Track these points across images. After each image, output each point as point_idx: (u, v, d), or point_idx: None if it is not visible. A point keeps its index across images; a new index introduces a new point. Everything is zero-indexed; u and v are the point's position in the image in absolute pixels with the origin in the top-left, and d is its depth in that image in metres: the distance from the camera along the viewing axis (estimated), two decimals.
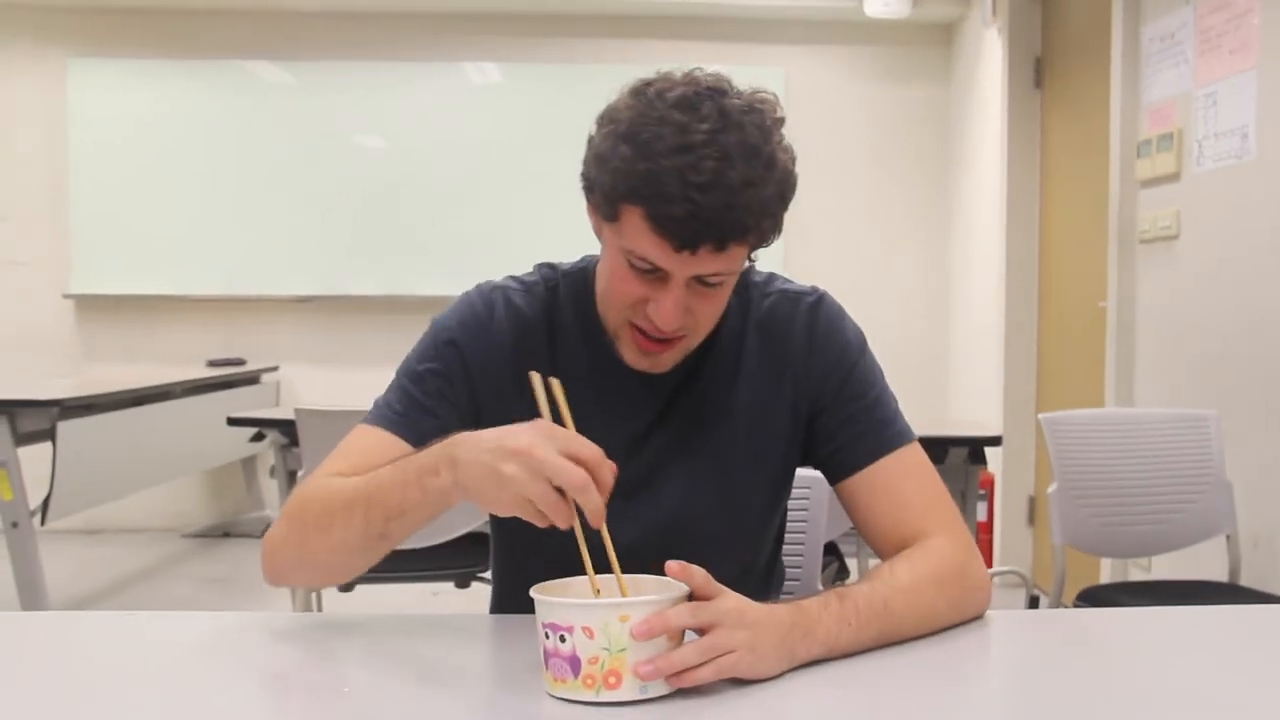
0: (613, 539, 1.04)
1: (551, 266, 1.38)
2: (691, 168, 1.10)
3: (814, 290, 1.37)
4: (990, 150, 4.94)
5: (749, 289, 1.35)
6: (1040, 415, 2.74)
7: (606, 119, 1.18)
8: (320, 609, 3.11)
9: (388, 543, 1.16)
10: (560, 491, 1.00)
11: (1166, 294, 3.47)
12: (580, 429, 1.06)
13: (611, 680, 0.97)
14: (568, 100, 5.67)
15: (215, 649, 1.18)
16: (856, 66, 5.75)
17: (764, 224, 1.16)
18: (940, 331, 5.64)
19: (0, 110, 5.75)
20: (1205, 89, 3.23)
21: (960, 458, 3.10)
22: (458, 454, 1.06)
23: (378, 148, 5.77)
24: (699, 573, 1.02)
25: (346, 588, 2.99)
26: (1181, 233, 3.37)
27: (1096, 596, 2.65)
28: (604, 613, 0.97)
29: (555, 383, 1.10)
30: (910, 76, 5.73)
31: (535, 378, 1.09)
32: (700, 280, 1.18)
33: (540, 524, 1.01)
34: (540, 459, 1.00)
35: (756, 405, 1.32)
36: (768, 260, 1.24)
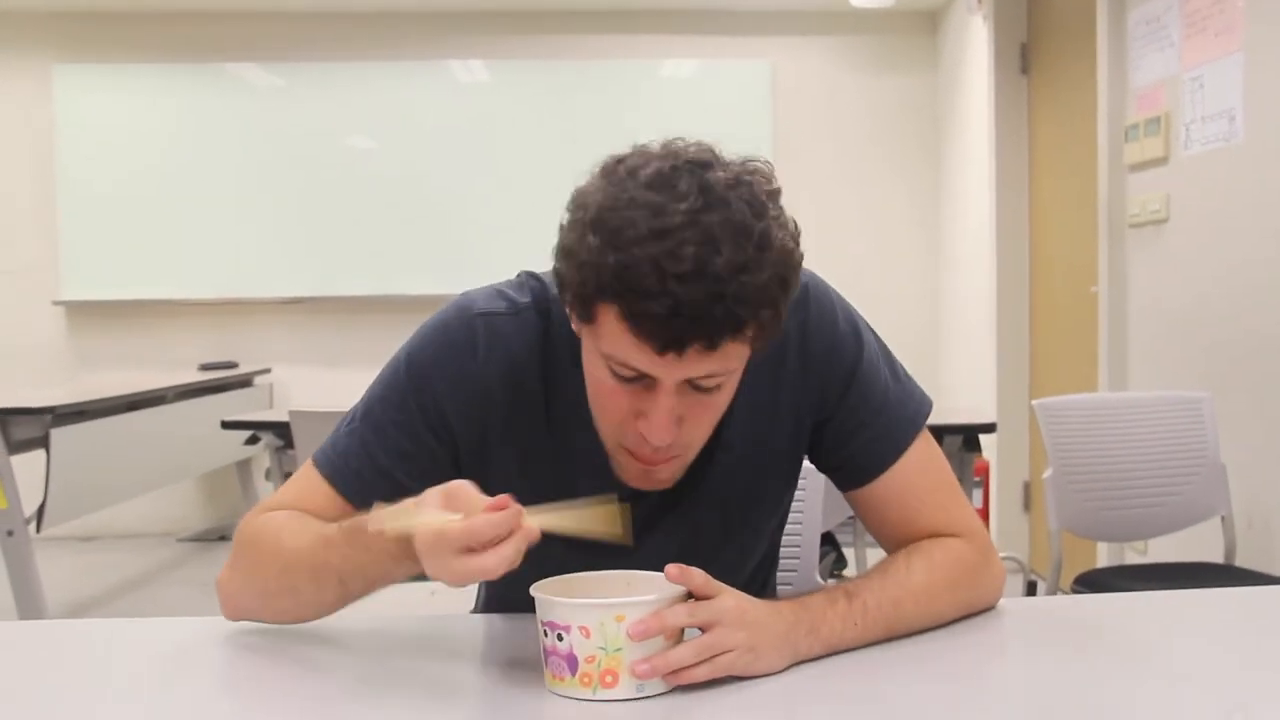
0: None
1: (540, 280, 1.22)
2: (670, 255, 0.95)
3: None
4: (978, 137, 4.94)
5: None
6: (1034, 401, 2.74)
7: (575, 204, 1.04)
8: None
9: (360, 597, 1.13)
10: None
11: (1157, 278, 3.48)
12: (571, 481, 1.04)
13: (608, 679, 0.97)
14: (555, 96, 5.68)
15: (213, 654, 1.18)
16: (843, 56, 5.75)
17: (762, 314, 1.00)
18: (932, 320, 5.65)
19: None
20: (1192, 72, 3.24)
21: (955, 445, 3.10)
22: (413, 555, 1.00)
23: (366, 148, 5.75)
24: (698, 574, 1.01)
25: None
26: (1171, 216, 3.37)
27: (1093, 581, 2.65)
28: (601, 612, 0.97)
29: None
30: (897, 65, 5.73)
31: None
32: (694, 385, 1.04)
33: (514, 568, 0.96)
34: (436, 568, 0.96)
35: (755, 426, 1.21)
36: None
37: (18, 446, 3.79)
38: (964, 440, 3.13)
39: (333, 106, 5.71)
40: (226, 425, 3.53)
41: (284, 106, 5.73)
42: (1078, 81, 4.05)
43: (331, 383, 5.57)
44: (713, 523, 1.24)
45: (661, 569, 1.02)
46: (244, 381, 5.61)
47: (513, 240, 5.59)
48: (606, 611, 0.97)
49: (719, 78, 5.67)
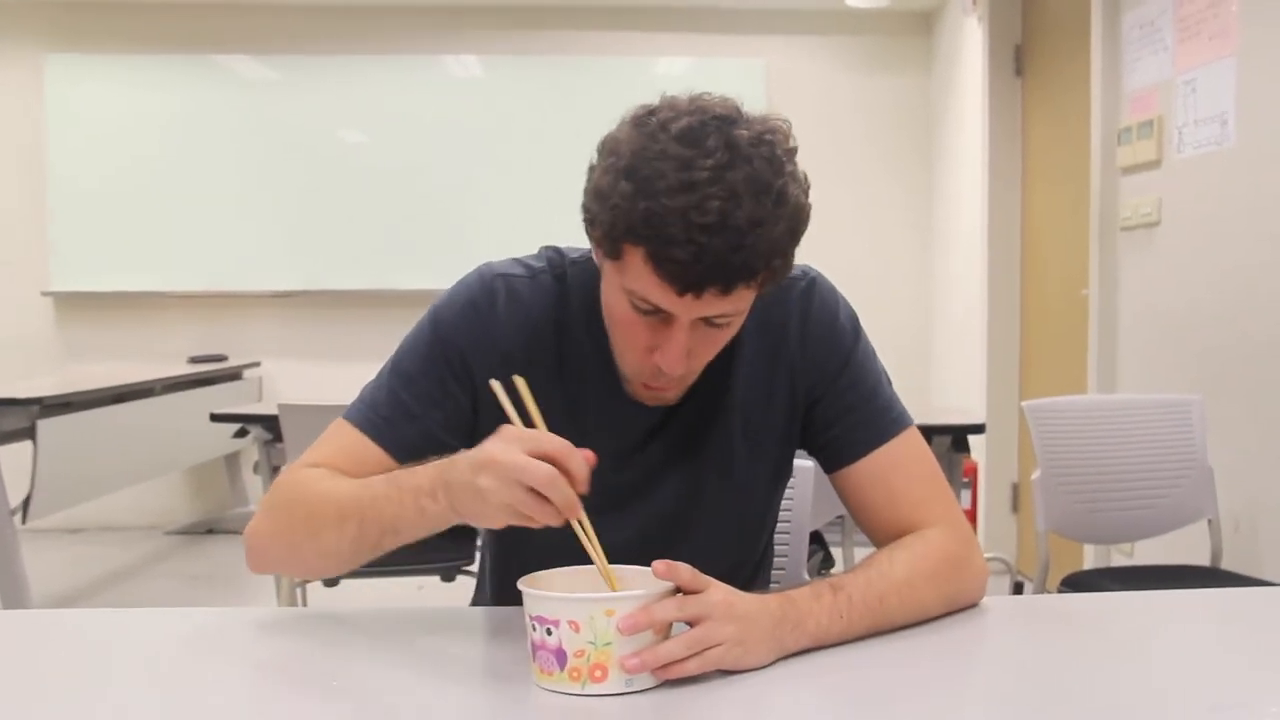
0: (609, 538, 1.04)
1: (559, 251, 1.31)
2: (696, 208, 1.03)
3: (805, 273, 1.30)
4: (972, 139, 4.95)
5: None
6: (1023, 403, 2.75)
7: (607, 150, 1.11)
8: (305, 604, 3.10)
9: (379, 552, 1.16)
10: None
11: (1148, 281, 3.48)
12: (582, 434, 1.05)
13: (597, 673, 0.97)
14: (548, 92, 5.67)
15: (200, 645, 1.17)
16: (837, 56, 5.76)
17: (774, 263, 1.09)
18: (923, 320, 5.66)
19: None
20: (1185, 76, 3.24)
21: (944, 446, 3.11)
22: (450, 477, 1.05)
23: (359, 142, 5.74)
24: (685, 569, 1.01)
25: (331, 582, 2.98)
26: (1163, 219, 3.38)
27: (1080, 582, 2.66)
28: (590, 607, 0.97)
29: (520, 383, 1.07)
30: (891, 66, 5.74)
31: (496, 386, 1.07)
32: (706, 321, 1.13)
33: (533, 525, 1.00)
34: (507, 464, 0.98)
35: (753, 398, 1.28)
36: None
37: (4, 437, 3.78)
38: (953, 441, 3.13)
39: (326, 100, 5.70)
40: (215, 418, 3.52)
41: (277, 99, 5.72)
42: (1071, 84, 4.06)
43: (321, 377, 5.56)
44: (713, 485, 1.28)
45: (662, 533, 1.07)
46: (233, 375, 5.59)
47: (505, 235, 5.55)
48: (596, 606, 0.97)
49: (713, 76, 5.60)
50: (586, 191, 1.13)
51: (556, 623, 0.97)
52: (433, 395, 1.23)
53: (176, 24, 5.68)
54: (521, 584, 1.01)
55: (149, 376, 4.71)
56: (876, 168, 5.73)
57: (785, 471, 1.37)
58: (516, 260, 1.29)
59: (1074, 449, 2.69)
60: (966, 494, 4.61)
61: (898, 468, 1.26)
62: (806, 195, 1.12)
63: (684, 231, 1.03)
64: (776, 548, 1.57)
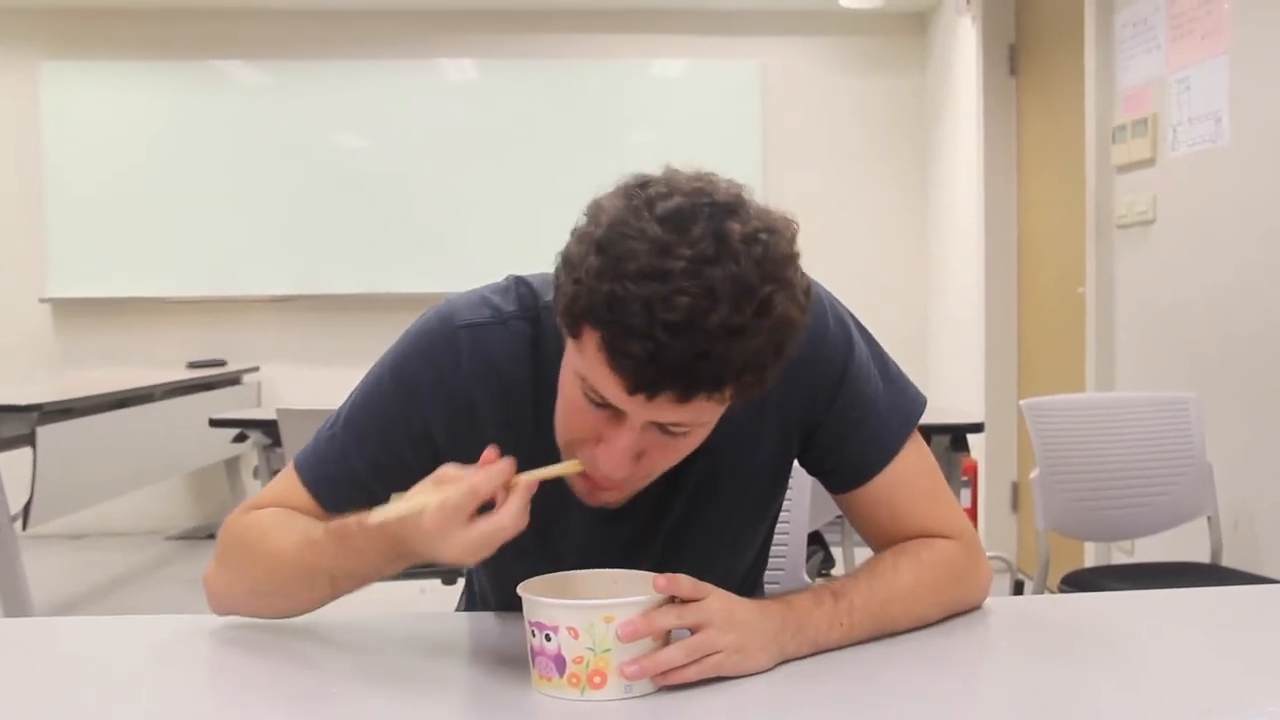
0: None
1: (531, 289, 1.18)
2: (663, 300, 0.91)
3: None
4: (967, 138, 4.95)
5: None
6: (1021, 401, 2.75)
7: (590, 216, 1.00)
8: None
9: (352, 592, 1.14)
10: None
11: (1144, 279, 3.49)
12: (565, 494, 1.06)
13: (596, 680, 0.97)
14: (545, 96, 5.67)
15: (201, 652, 1.18)
16: (832, 57, 5.76)
17: (745, 378, 0.96)
18: (921, 320, 5.66)
19: None
20: (1178, 74, 3.25)
21: (942, 445, 3.11)
22: (404, 552, 1.04)
23: (355, 147, 5.74)
24: (684, 580, 1.00)
25: None
26: (1158, 217, 3.39)
27: (1080, 581, 2.66)
28: (589, 613, 0.97)
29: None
30: (886, 66, 5.74)
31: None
32: (660, 427, 1.01)
33: (508, 539, 0.99)
34: (441, 535, 0.98)
35: (741, 429, 1.16)
36: None
37: (4, 444, 3.78)
38: (952, 440, 3.14)
39: (321, 104, 5.70)
40: (214, 423, 3.52)
41: (272, 104, 5.72)
42: (1065, 83, 4.07)
43: (319, 381, 5.55)
44: (697, 535, 1.22)
45: (653, 568, 1.01)
46: (232, 379, 5.59)
47: (501, 239, 5.60)
48: (595, 612, 0.97)
49: (709, 78, 5.67)
50: (559, 256, 1.01)
51: (556, 629, 0.97)
52: (380, 461, 1.16)
53: (171, 30, 5.68)
54: (521, 589, 1.01)
55: (148, 382, 4.71)
56: (872, 168, 5.74)
57: (780, 492, 1.30)
58: (484, 300, 1.17)
59: (1072, 447, 2.70)
60: (966, 493, 4.61)
61: (902, 485, 1.21)
62: (803, 311, 0.99)
63: (645, 324, 0.92)
64: (775, 548, 1.56)
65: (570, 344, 1.03)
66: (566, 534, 1.15)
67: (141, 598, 4.56)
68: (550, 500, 1.04)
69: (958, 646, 1.16)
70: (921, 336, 5.63)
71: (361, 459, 1.16)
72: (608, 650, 0.96)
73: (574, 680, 0.97)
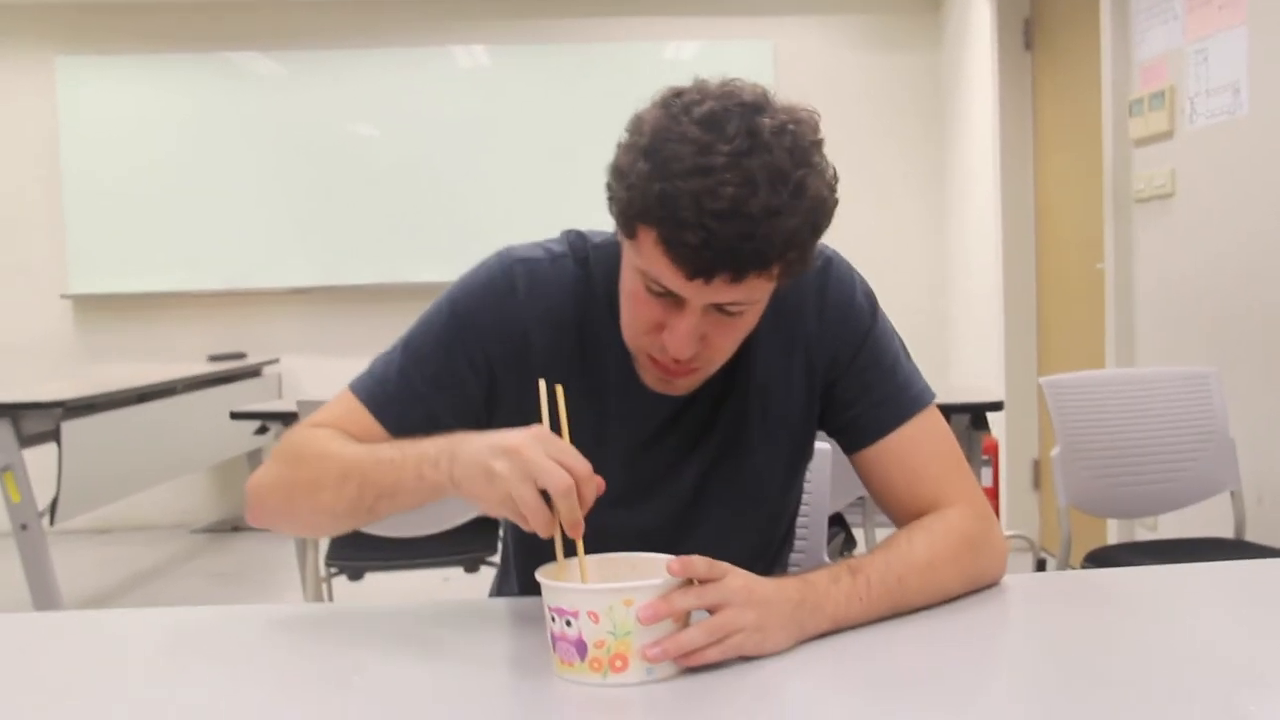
0: (627, 525, 1.05)
1: (581, 235, 1.29)
2: (709, 192, 1.02)
3: (820, 252, 1.27)
4: (983, 115, 4.92)
5: None
6: (1041, 379, 2.74)
7: (633, 128, 1.11)
8: (331, 598, 3.13)
9: (373, 516, 1.16)
10: (546, 499, 0.99)
11: (1164, 252, 3.47)
12: (601, 422, 1.06)
13: (618, 663, 0.97)
14: (558, 80, 5.67)
15: (228, 641, 1.19)
16: (846, 35, 5.73)
17: (789, 255, 1.07)
18: (939, 298, 5.64)
19: None
20: (1196, 45, 3.22)
21: (962, 424, 3.10)
22: (457, 450, 1.06)
23: (370, 135, 5.75)
24: (700, 562, 1.01)
25: (356, 576, 3.00)
26: (1177, 190, 3.36)
27: (1104, 558, 2.66)
28: (609, 597, 0.97)
29: (560, 391, 1.07)
30: (900, 43, 5.71)
31: (541, 385, 1.07)
32: (719, 308, 1.11)
33: (523, 526, 1.01)
34: (528, 459, 0.99)
35: (771, 382, 1.27)
36: None
37: (29, 441, 3.81)
38: (971, 419, 3.12)
39: (335, 94, 5.71)
40: (236, 416, 3.53)
41: (287, 95, 5.73)
42: (1082, 56, 4.04)
43: (339, 371, 5.48)
44: (725, 487, 1.27)
45: (681, 520, 1.08)
46: (252, 372, 5.62)
47: (519, 224, 5.54)
48: (615, 596, 0.97)
49: (722, 59, 5.61)
50: (609, 168, 1.12)
51: (576, 614, 0.97)
52: (441, 379, 1.22)
53: (184, 23, 5.70)
54: (539, 575, 1.01)
55: (170, 376, 4.74)
56: (887, 146, 5.71)
57: (806, 453, 1.36)
58: (537, 244, 1.28)
59: (1093, 424, 2.69)
60: (987, 472, 4.60)
61: (917, 447, 1.26)
62: (832, 190, 1.09)
63: (696, 216, 1.02)
64: (797, 530, 1.57)
65: (627, 245, 1.13)
66: (608, 466, 1.12)
67: (169, 590, 4.60)
68: (585, 442, 1.05)
69: (981, 622, 1.16)
70: (940, 314, 5.61)
71: (420, 375, 1.22)
72: (629, 634, 0.97)
73: (596, 664, 0.97)
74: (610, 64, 5.62)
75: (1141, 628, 1.14)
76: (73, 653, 1.19)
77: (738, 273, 1.05)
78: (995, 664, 1.09)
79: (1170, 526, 3.23)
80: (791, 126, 1.07)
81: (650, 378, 1.21)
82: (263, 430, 3.54)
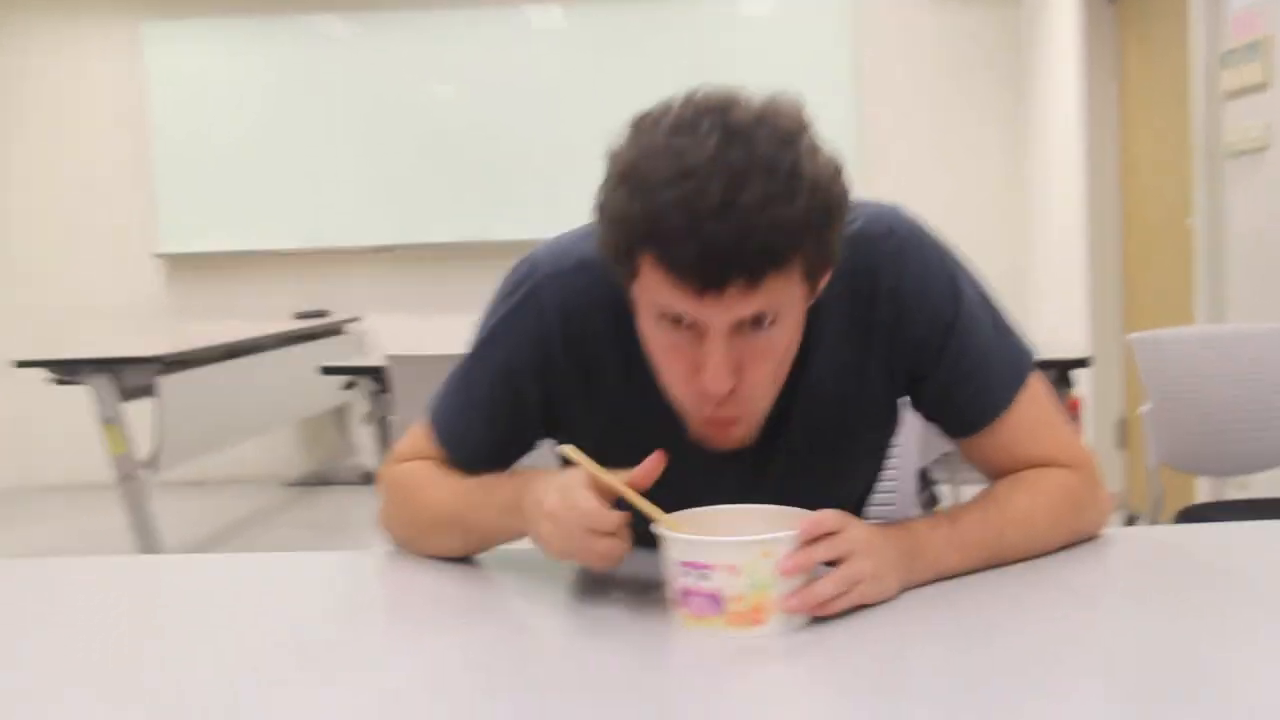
0: None
1: None
2: (697, 194, 0.94)
3: (891, 230, 1.16)
4: (1066, 68, 4.82)
5: None
6: (1129, 335, 2.71)
7: (609, 162, 1.03)
8: None
9: (487, 548, 1.24)
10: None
11: (1257, 207, 3.39)
12: (662, 432, 1.09)
13: (757, 616, 0.97)
14: (632, 39, 5.66)
15: (326, 583, 1.24)
16: None
17: (805, 244, 0.98)
18: (1021, 253, 5.56)
19: (79, 79, 5.89)
20: None
21: (1047, 381, 3.07)
22: (524, 504, 1.10)
23: (447, 95, 5.80)
24: (830, 517, 1.01)
25: None
26: (1272, 143, 3.28)
27: (1197, 515, 2.62)
28: (749, 550, 0.96)
29: (577, 453, 1.06)
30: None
31: (568, 450, 1.07)
32: (746, 326, 1.01)
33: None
34: (565, 520, 1.03)
35: (846, 373, 1.18)
36: None
37: (129, 394, 3.94)
38: (1056, 376, 3.10)
39: (412, 55, 5.77)
40: (327, 370, 3.61)
41: (365, 57, 5.80)
42: (1169, 7, 3.93)
43: (420, 329, 5.67)
44: (807, 479, 1.21)
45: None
46: (335, 330, 5.73)
47: (594, 181, 5.61)
48: (754, 549, 0.96)
49: (798, 14, 5.58)
50: (593, 212, 1.05)
51: (713, 567, 0.96)
52: (497, 422, 1.23)
53: None
54: (660, 529, 1.00)
55: (258, 333, 4.85)
56: (967, 102, 5.62)
57: (889, 432, 1.31)
58: (568, 248, 1.19)
59: (1184, 381, 2.65)
60: None
61: (1021, 429, 1.20)
62: (837, 171, 1.01)
63: (688, 223, 0.94)
64: (885, 483, 1.56)
65: (635, 289, 1.05)
66: (673, 483, 1.08)
67: (263, 541, 4.74)
68: (662, 446, 1.06)
69: (1080, 574, 1.15)
70: (1023, 270, 5.53)
71: (481, 419, 1.24)
72: (767, 586, 0.97)
73: (735, 619, 0.97)
74: (683, 21, 5.59)
75: (1238, 584, 1.11)
76: (178, 596, 1.24)
77: (751, 276, 0.96)
78: (1093, 617, 1.06)
79: (1263, 486, 3.18)
80: (768, 116, 0.99)
81: (703, 436, 1.13)
82: (350, 385, 3.62)
